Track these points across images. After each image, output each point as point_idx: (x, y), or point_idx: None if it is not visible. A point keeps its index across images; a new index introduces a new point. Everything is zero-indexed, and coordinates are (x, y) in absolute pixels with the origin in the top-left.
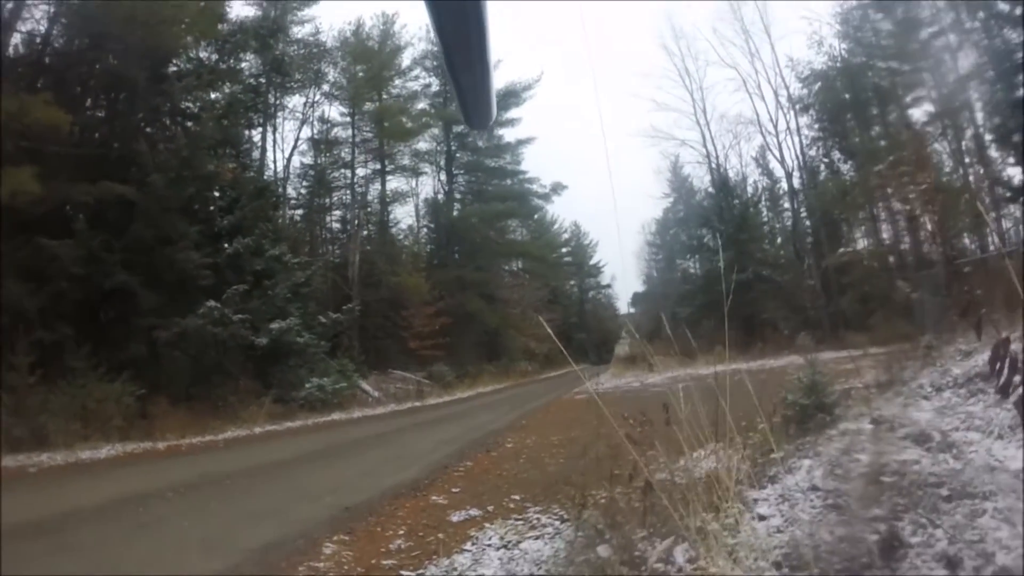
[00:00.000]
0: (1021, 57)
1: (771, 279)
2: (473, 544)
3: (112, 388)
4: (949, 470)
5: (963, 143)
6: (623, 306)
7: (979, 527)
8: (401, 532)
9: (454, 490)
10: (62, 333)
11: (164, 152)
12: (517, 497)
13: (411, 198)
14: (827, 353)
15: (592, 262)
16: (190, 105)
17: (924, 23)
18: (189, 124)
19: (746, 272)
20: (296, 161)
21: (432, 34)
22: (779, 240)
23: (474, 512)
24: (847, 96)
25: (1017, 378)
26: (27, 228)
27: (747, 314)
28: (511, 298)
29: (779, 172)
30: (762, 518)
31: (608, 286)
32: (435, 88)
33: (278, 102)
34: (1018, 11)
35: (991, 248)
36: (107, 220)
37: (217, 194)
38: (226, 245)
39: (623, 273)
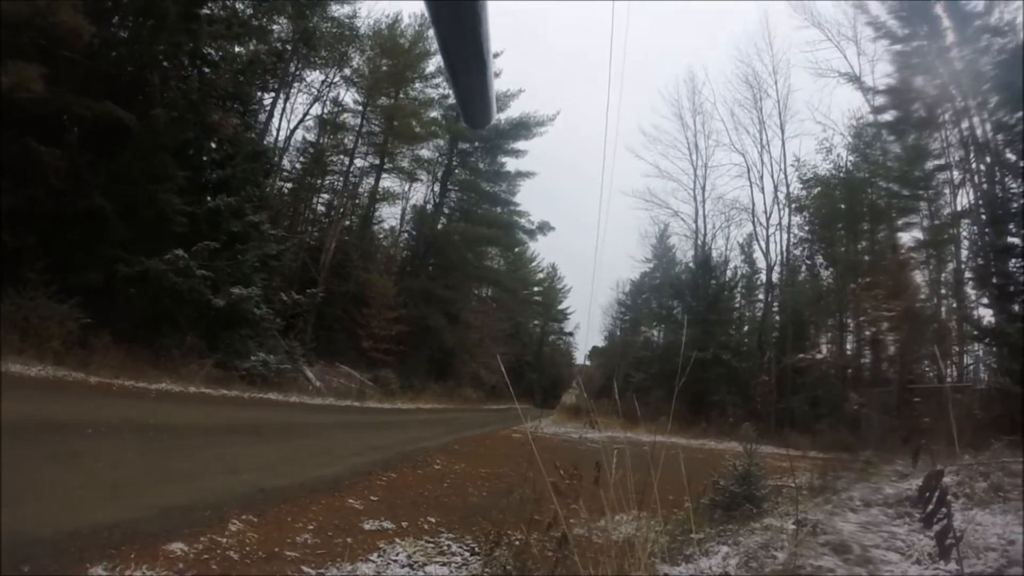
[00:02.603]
0: (1017, 207)
1: (729, 364)
2: (379, 556)
3: (59, 309)
4: None
5: (943, 275)
6: (580, 357)
7: None
8: (311, 527)
9: (372, 498)
10: (25, 240)
11: (174, 90)
12: (433, 519)
13: (400, 201)
14: (768, 447)
15: (560, 307)
16: (212, 52)
17: (932, 155)
18: (206, 70)
19: (707, 352)
20: (299, 135)
21: (432, 34)
22: (746, 328)
23: (387, 524)
24: (842, 206)
25: (943, 511)
26: (19, 125)
27: (698, 392)
28: (473, 323)
29: (761, 263)
30: None
31: (570, 334)
32: (451, 100)
33: (297, 72)
34: (1023, 164)
35: (948, 380)
36: (99, 141)
37: (214, 146)
38: (209, 198)
39: (587, 325)
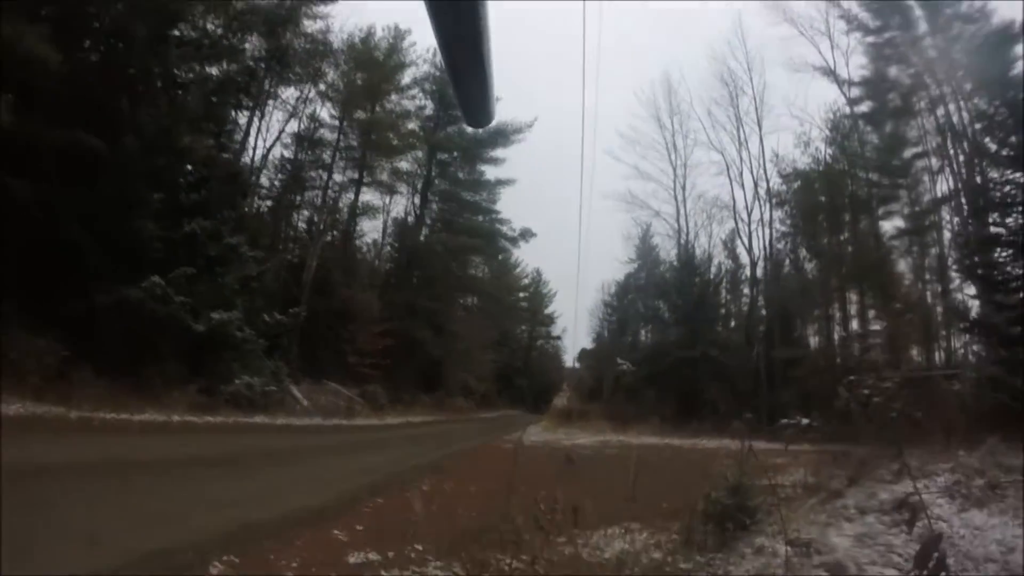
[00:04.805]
0: (999, 196)
1: (718, 360)
2: None
3: (37, 343)
4: None
5: (926, 261)
6: (569, 360)
7: None
8: (294, 565)
9: (358, 527)
10: None
11: (145, 115)
12: (420, 548)
13: (381, 214)
14: (760, 443)
15: (547, 311)
16: (182, 74)
17: (910, 143)
18: (178, 92)
19: (695, 350)
20: (276, 152)
21: (432, 34)
22: (733, 324)
23: (373, 556)
24: (823, 198)
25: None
26: None
27: (688, 390)
28: (460, 333)
29: (745, 259)
30: None
31: (558, 338)
32: (428, 111)
33: (272, 90)
34: (1004, 152)
35: (937, 364)
36: (72, 169)
37: (189, 168)
38: (185, 223)
39: (574, 328)
